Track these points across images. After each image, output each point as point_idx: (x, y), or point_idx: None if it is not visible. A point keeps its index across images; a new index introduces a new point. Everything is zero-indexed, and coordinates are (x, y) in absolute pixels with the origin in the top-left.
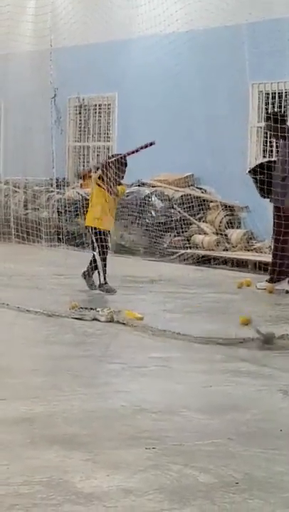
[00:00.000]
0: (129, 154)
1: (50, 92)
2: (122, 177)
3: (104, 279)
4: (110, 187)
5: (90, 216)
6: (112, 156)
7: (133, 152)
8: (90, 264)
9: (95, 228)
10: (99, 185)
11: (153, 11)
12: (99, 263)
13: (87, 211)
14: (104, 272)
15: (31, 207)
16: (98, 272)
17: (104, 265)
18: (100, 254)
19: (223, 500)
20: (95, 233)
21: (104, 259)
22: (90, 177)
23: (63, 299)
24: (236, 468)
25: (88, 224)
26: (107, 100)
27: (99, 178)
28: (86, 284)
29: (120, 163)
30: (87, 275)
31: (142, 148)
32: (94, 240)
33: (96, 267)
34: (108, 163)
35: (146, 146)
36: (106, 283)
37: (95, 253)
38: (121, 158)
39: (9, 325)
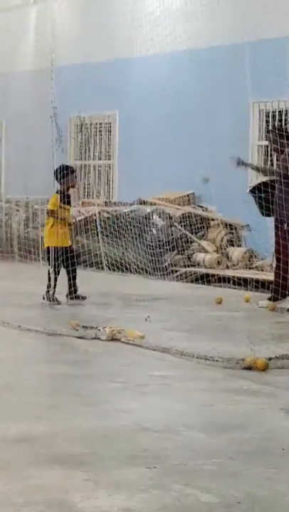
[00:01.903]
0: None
1: (51, 110)
2: (73, 185)
3: (48, 292)
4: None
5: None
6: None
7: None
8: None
9: (48, 247)
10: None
11: (153, 29)
12: (52, 277)
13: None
14: (54, 286)
15: (32, 225)
16: (49, 285)
17: (55, 279)
18: (53, 269)
19: None
20: (48, 251)
21: (55, 273)
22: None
23: (64, 318)
24: (238, 488)
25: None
26: (107, 119)
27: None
28: (75, 303)
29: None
30: (69, 296)
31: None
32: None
33: (70, 285)
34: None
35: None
36: (50, 296)
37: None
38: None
39: (10, 344)
